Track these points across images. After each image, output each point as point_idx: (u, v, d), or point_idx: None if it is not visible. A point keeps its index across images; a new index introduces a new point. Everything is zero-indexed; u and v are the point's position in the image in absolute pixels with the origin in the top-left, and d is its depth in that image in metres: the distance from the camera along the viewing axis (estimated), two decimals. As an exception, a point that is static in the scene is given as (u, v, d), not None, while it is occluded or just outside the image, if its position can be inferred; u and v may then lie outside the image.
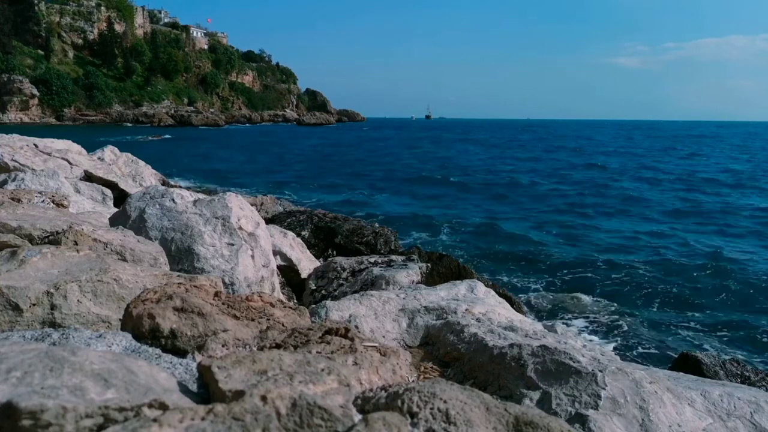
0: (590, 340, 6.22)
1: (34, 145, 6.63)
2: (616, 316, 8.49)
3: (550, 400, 1.97)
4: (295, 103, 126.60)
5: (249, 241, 3.45)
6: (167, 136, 52.89)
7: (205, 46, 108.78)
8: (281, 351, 1.24)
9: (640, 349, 7.33)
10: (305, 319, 1.75)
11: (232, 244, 3.34)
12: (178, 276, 2.04)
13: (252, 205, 4.55)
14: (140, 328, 1.44)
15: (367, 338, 1.62)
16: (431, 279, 4.50)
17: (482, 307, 2.92)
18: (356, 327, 2.44)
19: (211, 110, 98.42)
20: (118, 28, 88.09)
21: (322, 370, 1.11)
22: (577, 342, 2.66)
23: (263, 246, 3.57)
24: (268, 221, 6.67)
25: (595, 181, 26.02)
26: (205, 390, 1.10)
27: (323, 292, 4.63)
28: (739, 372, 4.61)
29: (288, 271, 5.25)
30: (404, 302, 2.89)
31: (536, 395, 2.01)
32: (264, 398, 0.93)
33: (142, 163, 8.60)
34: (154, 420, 0.82)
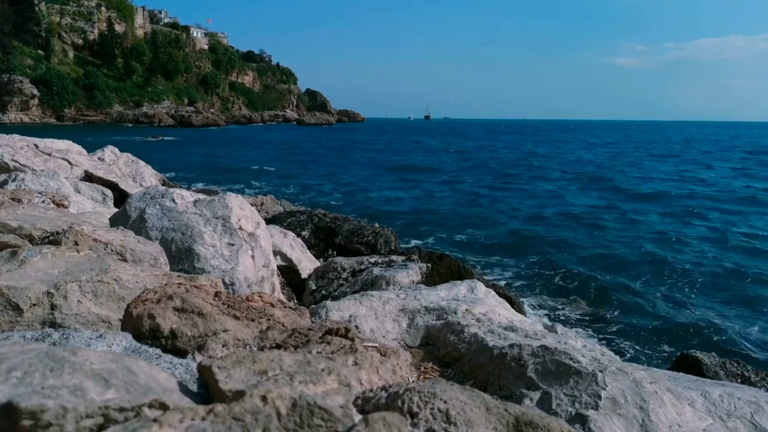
0: (590, 340, 6.21)
1: (35, 145, 6.63)
2: (617, 317, 8.50)
3: (550, 401, 1.97)
4: (295, 103, 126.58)
5: (249, 242, 3.45)
6: (168, 137, 52.83)
7: (206, 47, 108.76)
8: (281, 351, 1.24)
9: (640, 349, 7.33)
10: (305, 320, 1.75)
11: (233, 245, 3.34)
12: (179, 276, 2.04)
13: (252, 205, 4.55)
14: (140, 328, 1.44)
15: (367, 338, 1.63)
16: (431, 279, 4.51)
17: (482, 308, 2.92)
18: (356, 327, 2.44)
19: (212, 110, 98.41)
20: (119, 28, 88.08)
21: (323, 370, 1.11)
22: (577, 342, 2.66)
23: (263, 246, 3.57)
24: (269, 221, 6.67)
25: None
26: (205, 390, 1.10)
27: (323, 292, 4.63)
28: (739, 372, 4.61)
29: (288, 271, 5.25)
30: (404, 302, 2.89)
31: (536, 395, 2.01)
32: (264, 398, 0.93)
33: (142, 163, 8.60)
34: (155, 420, 0.82)
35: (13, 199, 3.17)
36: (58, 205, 3.53)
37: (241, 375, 1.05)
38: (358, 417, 0.96)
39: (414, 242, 12.66)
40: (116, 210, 4.29)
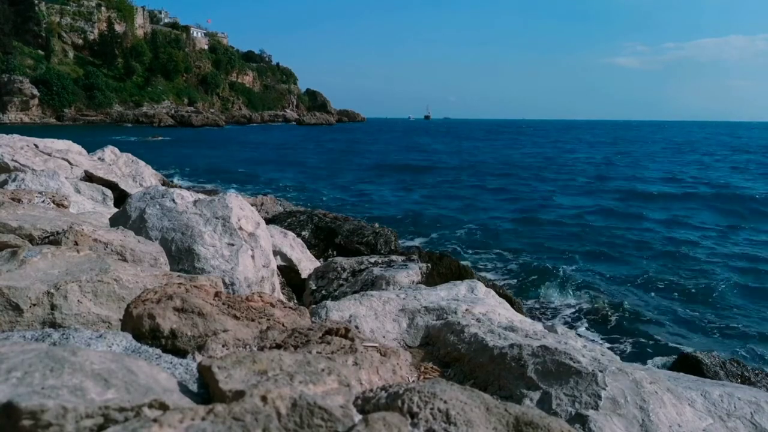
0: (590, 341, 6.22)
1: (35, 145, 6.63)
2: (617, 317, 8.49)
3: (550, 401, 1.97)
4: (295, 103, 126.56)
5: (249, 242, 3.45)
6: (168, 138, 52.85)
7: (206, 47, 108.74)
8: (281, 351, 1.24)
9: (640, 349, 7.33)
10: (305, 320, 1.75)
11: (233, 245, 3.34)
12: (179, 276, 2.04)
13: (252, 205, 4.55)
14: (140, 328, 1.44)
15: (367, 338, 1.63)
16: (431, 279, 4.50)
17: (482, 308, 2.92)
18: (356, 327, 2.44)
19: (212, 110, 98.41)
20: (119, 28, 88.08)
21: (323, 370, 1.11)
22: (578, 342, 2.66)
23: (263, 246, 3.57)
24: (269, 221, 6.67)
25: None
26: (206, 390, 1.10)
27: (323, 292, 4.63)
28: (739, 372, 4.61)
29: (288, 271, 5.25)
30: (404, 302, 2.89)
31: (536, 395, 2.01)
32: (264, 398, 0.93)
33: (142, 163, 8.61)
34: (155, 420, 0.82)
35: (13, 199, 3.17)
36: (58, 205, 3.53)
37: (241, 375, 1.05)
38: (358, 417, 0.96)
39: (414, 241, 12.67)
40: (116, 210, 4.29)
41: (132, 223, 3.33)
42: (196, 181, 21.57)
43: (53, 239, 2.32)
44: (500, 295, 3.86)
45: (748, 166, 35.36)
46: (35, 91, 71.91)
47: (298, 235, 6.51)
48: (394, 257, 5.22)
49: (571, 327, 7.60)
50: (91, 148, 8.22)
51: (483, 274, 9.21)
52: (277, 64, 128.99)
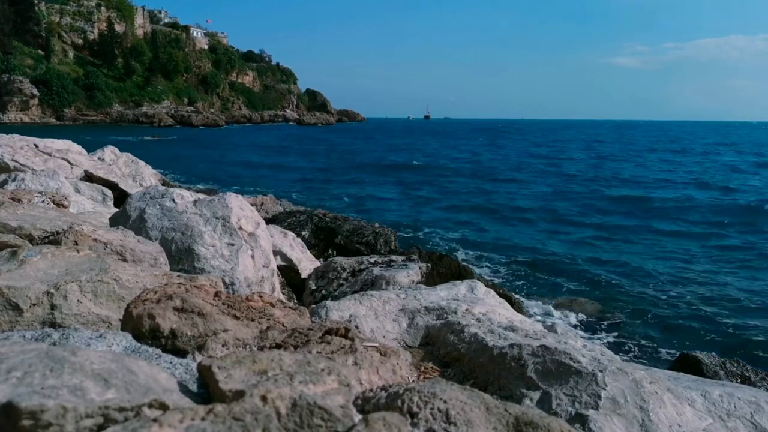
0: (590, 341, 6.21)
1: (35, 145, 6.63)
2: (617, 317, 8.50)
3: (550, 400, 1.97)
4: (295, 103, 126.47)
5: (249, 241, 3.45)
6: (168, 137, 52.85)
7: (206, 46, 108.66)
8: (281, 351, 1.24)
9: (640, 349, 7.33)
10: (305, 319, 1.75)
11: (233, 244, 3.34)
12: (179, 276, 2.04)
13: (252, 205, 4.55)
14: (140, 328, 1.44)
15: (367, 338, 1.63)
16: (431, 279, 4.51)
17: (482, 307, 2.92)
18: (356, 327, 2.44)
19: (212, 110, 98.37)
20: (119, 28, 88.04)
21: (323, 370, 1.11)
22: (578, 342, 2.66)
23: (263, 246, 3.57)
24: (268, 221, 6.67)
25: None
26: (205, 390, 1.10)
27: (323, 292, 4.63)
28: (739, 372, 4.61)
29: (288, 271, 5.25)
30: (404, 302, 2.89)
31: (536, 395, 2.01)
32: (264, 398, 0.93)
33: (142, 163, 8.61)
34: (155, 420, 0.82)
35: (13, 199, 3.17)
36: (58, 205, 3.53)
37: (241, 375, 1.05)
38: (358, 417, 0.96)
39: (414, 240, 12.67)
40: (116, 210, 4.29)
41: (132, 222, 3.33)
42: (195, 181, 21.57)
43: (53, 239, 2.32)
44: (500, 295, 3.86)
45: (746, 168, 35.38)
46: (35, 91, 71.85)
47: (298, 235, 6.52)
48: (394, 257, 5.22)
49: (571, 327, 7.60)
50: (91, 148, 8.22)
51: (483, 274, 9.21)
52: (277, 64, 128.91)
